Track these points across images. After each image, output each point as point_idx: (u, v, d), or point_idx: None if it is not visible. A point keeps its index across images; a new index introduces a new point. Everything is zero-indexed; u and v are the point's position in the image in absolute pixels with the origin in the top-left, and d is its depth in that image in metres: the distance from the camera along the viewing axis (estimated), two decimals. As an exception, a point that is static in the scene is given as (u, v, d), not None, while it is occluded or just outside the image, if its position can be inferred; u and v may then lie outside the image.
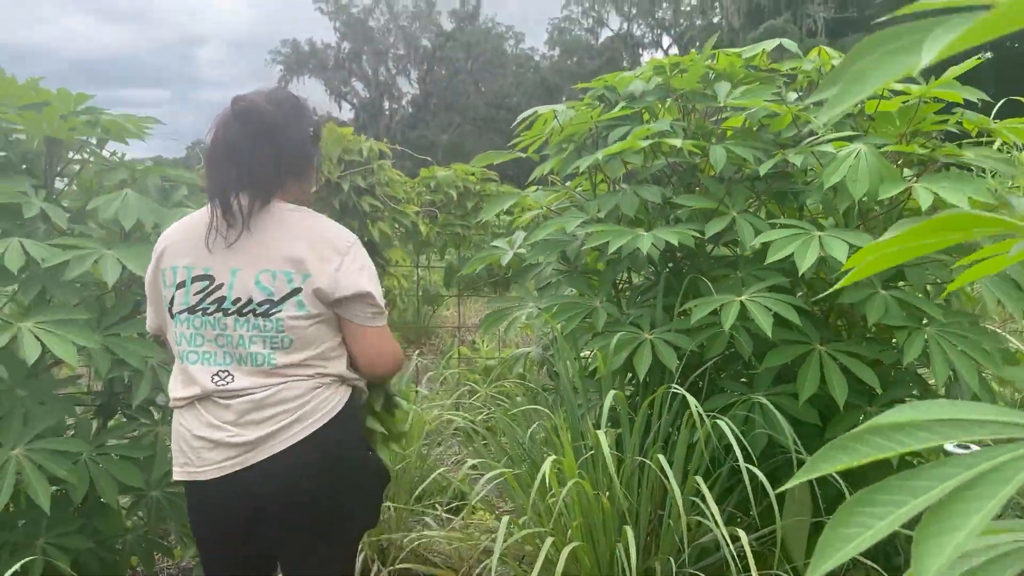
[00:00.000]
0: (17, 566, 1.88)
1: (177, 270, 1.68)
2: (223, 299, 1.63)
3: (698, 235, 2.22)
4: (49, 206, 2.23)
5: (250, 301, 1.62)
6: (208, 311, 1.64)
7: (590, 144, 2.59)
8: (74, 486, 2.07)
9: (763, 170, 2.14)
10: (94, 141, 2.60)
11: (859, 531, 0.55)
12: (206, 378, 1.63)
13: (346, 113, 42.81)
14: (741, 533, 1.85)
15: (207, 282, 1.65)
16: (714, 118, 2.53)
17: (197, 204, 2.53)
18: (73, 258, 2.11)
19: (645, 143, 2.21)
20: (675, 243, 2.12)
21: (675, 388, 2.09)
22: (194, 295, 1.66)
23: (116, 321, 2.22)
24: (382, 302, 1.69)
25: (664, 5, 38.38)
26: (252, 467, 1.60)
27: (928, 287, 2.35)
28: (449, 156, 33.82)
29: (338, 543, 1.76)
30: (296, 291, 1.61)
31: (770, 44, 2.47)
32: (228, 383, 1.62)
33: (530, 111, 2.62)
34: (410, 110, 43.00)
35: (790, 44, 2.48)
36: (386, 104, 43.15)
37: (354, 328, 1.68)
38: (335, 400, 1.67)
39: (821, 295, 2.16)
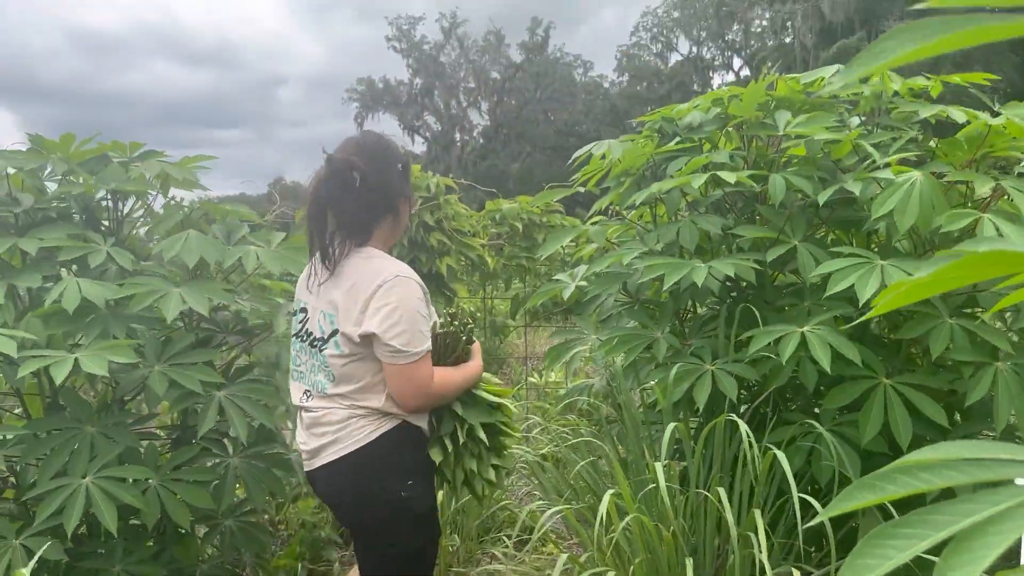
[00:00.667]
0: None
1: (296, 300, 2.04)
2: (308, 332, 1.94)
3: (757, 267, 2.20)
4: (116, 250, 2.38)
5: (315, 337, 1.91)
6: (303, 339, 1.96)
7: (648, 176, 2.60)
8: (146, 512, 2.18)
9: (821, 199, 2.11)
10: (157, 185, 2.77)
11: (879, 562, 0.57)
12: (297, 394, 1.98)
13: (419, 146, 43.77)
14: (795, 572, 1.81)
15: (304, 314, 1.97)
16: (776, 147, 2.50)
17: (257, 239, 2.67)
18: (136, 295, 2.25)
19: (697, 178, 2.21)
20: (731, 275, 2.10)
21: (731, 417, 2.06)
22: (297, 323, 1.99)
23: (177, 352, 2.34)
24: (398, 344, 1.78)
25: (735, 27, 38.04)
26: (314, 471, 1.93)
27: (1007, 314, 2.27)
28: (520, 184, 34.15)
29: (377, 561, 1.95)
30: (335, 332, 1.86)
31: (829, 71, 2.44)
32: (309, 401, 1.93)
33: (584, 149, 2.65)
34: (481, 141, 43.63)
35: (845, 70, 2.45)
36: (457, 136, 43.91)
37: (382, 364, 1.83)
38: (369, 430, 1.85)
39: (856, 322, 2.10)
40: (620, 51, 43.27)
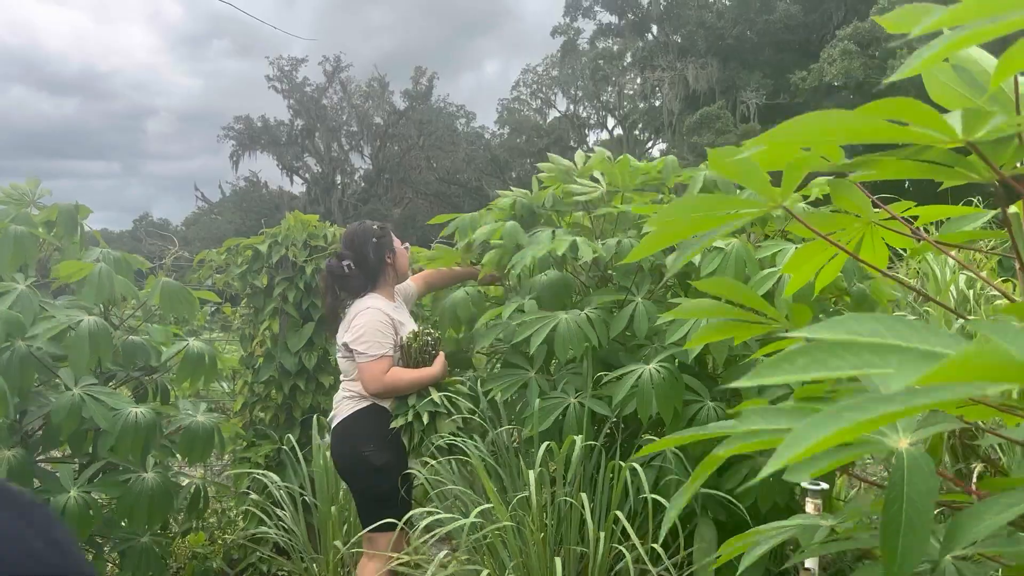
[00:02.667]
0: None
1: None
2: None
3: (604, 322, 2.68)
4: (28, 291, 2.63)
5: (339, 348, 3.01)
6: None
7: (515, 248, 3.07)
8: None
9: (674, 268, 2.59)
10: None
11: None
12: None
13: (298, 187, 43.29)
14: (659, 550, 2.23)
15: None
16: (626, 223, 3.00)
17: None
18: (53, 324, 2.49)
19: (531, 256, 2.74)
20: (589, 337, 2.58)
21: (582, 439, 2.49)
22: None
23: (90, 384, 2.62)
24: (359, 348, 2.85)
25: (609, 89, 40.23)
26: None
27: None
28: (402, 229, 34.28)
29: (357, 497, 2.98)
30: (342, 344, 2.94)
31: (662, 162, 2.99)
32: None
33: (452, 226, 3.20)
34: (363, 185, 43.66)
35: (672, 161, 3.01)
36: (339, 179, 43.74)
37: None
38: (349, 406, 2.94)
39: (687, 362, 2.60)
40: (501, 104, 44.72)
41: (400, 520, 2.83)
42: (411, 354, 2.94)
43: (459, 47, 75.28)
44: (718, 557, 2.56)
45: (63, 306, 2.65)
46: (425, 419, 2.82)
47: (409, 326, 3.03)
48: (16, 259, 2.57)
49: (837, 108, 0.80)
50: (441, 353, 3.00)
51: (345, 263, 2.99)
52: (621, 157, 2.95)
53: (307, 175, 43.15)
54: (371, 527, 2.87)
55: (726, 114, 29.51)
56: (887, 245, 1.43)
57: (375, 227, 3.09)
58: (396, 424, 2.85)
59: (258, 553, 3.75)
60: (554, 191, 3.06)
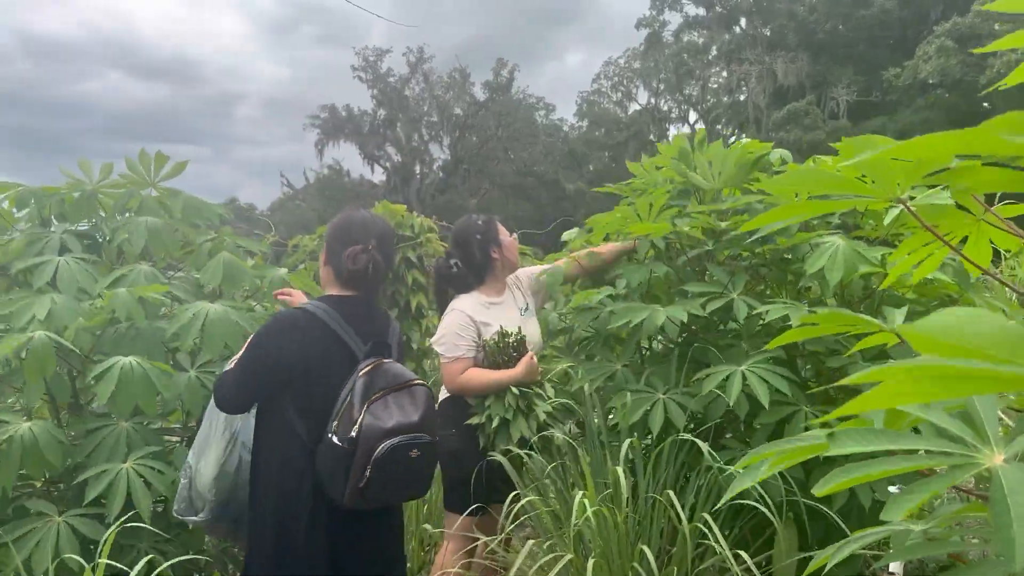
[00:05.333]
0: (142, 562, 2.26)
1: None
2: None
3: (703, 312, 2.63)
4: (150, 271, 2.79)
5: None
6: None
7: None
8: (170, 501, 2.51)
9: (812, 265, 2.54)
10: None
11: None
12: None
13: (378, 176, 44.08)
14: (745, 556, 2.22)
15: None
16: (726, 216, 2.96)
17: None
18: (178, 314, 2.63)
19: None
20: (685, 320, 2.54)
21: (685, 436, 2.47)
22: None
23: (204, 363, 2.76)
24: (438, 349, 3.00)
25: (692, 82, 39.53)
26: None
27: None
28: (477, 221, 34.45)
29: (445, 486, 3.09)
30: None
31: (764, 149, 2.91)
32: None
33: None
34: (441, 175, 44.12)
35: (786, 154, 2.93)
36: (417, 168, 44.32)
37: None
38: (439, 394, 3.03)
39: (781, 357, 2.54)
40: (581, 96, 44.51)
41: (471, 506, 2.86)
42: (489, 355, 2.97)
43: (541, 37, 75.20)
44: (804, 559, 2.51)
45: (181, 286, 2.79)
46: (496, 423, 2.84)
47: (495, 326, 3.00)
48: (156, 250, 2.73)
49: (930, 107, 0.81)
50: (529, 354, 2.96)
51: (452, 262, 3.09)
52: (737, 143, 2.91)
53: (387, 164, 43.87)
54: (447, 508, 3.04)
55: (815, 110, 28.62)
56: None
57: (479, 222, 3.13)
58: (471, 422, 2.91)
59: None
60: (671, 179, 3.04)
